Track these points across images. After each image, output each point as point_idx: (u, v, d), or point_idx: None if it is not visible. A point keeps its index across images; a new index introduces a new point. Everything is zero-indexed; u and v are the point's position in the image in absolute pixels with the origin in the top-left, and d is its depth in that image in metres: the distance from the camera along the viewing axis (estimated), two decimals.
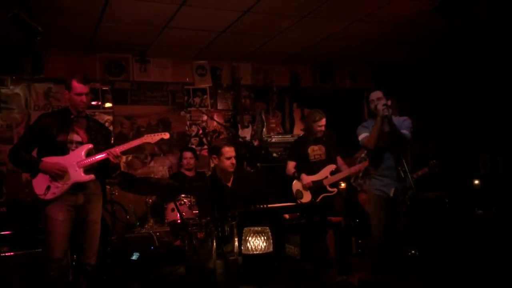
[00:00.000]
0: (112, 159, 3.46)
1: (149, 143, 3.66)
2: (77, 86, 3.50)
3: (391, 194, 4.01)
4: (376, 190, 4.11)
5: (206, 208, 4.15)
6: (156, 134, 3.64)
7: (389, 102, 3.90)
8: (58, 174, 3.35)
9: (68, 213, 3.39)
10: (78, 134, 3.53)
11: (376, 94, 4.06)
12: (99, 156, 3.45)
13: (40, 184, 3.38)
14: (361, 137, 4.13)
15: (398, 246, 4.04)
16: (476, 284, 3.94)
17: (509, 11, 5.16)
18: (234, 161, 4.28)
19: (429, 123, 7.52)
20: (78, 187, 3.44)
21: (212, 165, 6.33)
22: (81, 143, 3.51)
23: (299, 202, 5.01)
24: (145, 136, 3.63)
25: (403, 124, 4.05)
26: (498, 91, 6.88)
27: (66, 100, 3.62)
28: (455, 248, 4.93)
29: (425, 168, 4.87)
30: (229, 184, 4.39)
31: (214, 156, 4.31)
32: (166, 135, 3.67)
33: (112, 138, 5.68)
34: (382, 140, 3.96)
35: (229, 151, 4.25)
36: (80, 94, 3.51)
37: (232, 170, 4.30)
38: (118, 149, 3.49)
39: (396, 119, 3.99)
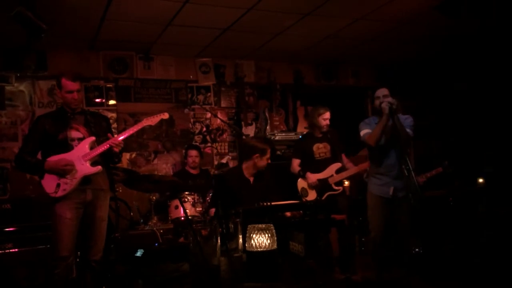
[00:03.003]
0: (115, 149, 3.46)
1: (150, 125, 3.67)
2: (67, 83, 3.48)
3: (391, 193, 3.98)
4: (375, 190, 4.09)
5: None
6: (155, 116, 3.66)
7: (395, 100, 3.87)
8: (65, 170, 3.35)
9: (76, 211, 3.39)
10: (78, 130, 3.52)
11: (382, 91, 4.04)
12: (103, 146, 3.45)
13: (49, 183, 3.37)
14: (363, 133, 4.09)
15: (402, 244, 4.02)
16: (479, 283, 3.93)
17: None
18: (269, 160, 4.68)
19: (433, 121, 7.50)
20: (87, 180, 3.44)
21: (216, 162, 6.37)
22: (82, 139, 3.51)
23: (304, 200, 5.01)
24: (145, 119, 3.64)
25: (405, 122, 4.02)
26: (502, 89, 6.85)
27: (59, 99, 3.61)
28: (459, 247, 4.92)
29: (439, 168, 4.83)
30: (251, 179, 4.59)
31: (258, 155, 4.54)
32: (165, 115, 3.69)
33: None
34: (384, 138, 3.94)
35: (270, 152, 4.65)
36: (71, 92, 3.49)
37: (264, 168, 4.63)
38: (119, 137, 3.49)
39: (399, 117, 3.97)
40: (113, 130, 5.72)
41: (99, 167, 3.45)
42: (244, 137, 5.74)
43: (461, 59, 6.89)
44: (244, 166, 4.61)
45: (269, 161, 4.64)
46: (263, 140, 4.88)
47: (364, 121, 4.20)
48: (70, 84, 3.49)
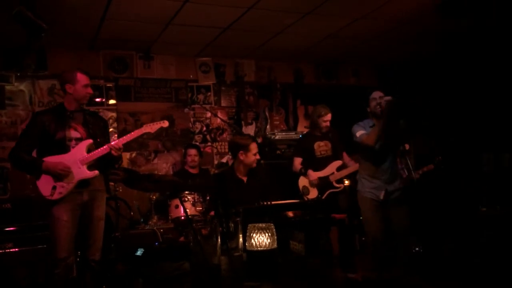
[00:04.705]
0: (114, 153, 3.43)
1: (149, 132, 3.65)
2: (83, 77, 3.49)
3: (382, 197, 3.95)
4: (367, 192, 4.04)
5: (213, 202, 4.19)
6: (155, 123, 3.64)
7: (394, 99, 3.86)
8: (62, 174, 3.33)
9: (73, 213, 3.38)
10: (76, 130, 3.49)
11: (378, 93, 4.04)
12: (100, 151, 3.43)
13: (45, 185, 3.36)
14: (359, 133, 4.03)
15: (400, 245, 4.02)
16: (479, 283, 3.93)
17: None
18: (258, 156, 4.41)
19: (433, 121, 7.49)
20: (83, 183, 3.43)
21: (216, 161, 6.37)
22: (80, 139, 3.47)
23: (305, 198, 5.02)
24: (145, 126, 3.63)
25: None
26: (502, 88, 6.85)
27: (67, 95, 3.50)
28: (459, 247, 4.92)
29: (431, 165, 4.83)
30: (244, 179, 4.44)
31: (242, 152, 4.34)
32: (165, 123, 3.67)
33: (116, 135, 5.71)
34: (382, 139, 3.91)
35: (255, 147, 4.36)
36: (87, 86, 3.51)
37: (255, 165, 4.39)
38: (119, 142, 3.48)
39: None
40: (113, 129, 5.78)
41: (96, 172, 3.44)
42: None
43: (461, 59, 6.89)
44: (235, 166, 4.48)
45: (258, 157, 4.39)
46: (246, 136, 4.67)
47: (358, 123, 4.14)
48: (85, 78, 3.51)
